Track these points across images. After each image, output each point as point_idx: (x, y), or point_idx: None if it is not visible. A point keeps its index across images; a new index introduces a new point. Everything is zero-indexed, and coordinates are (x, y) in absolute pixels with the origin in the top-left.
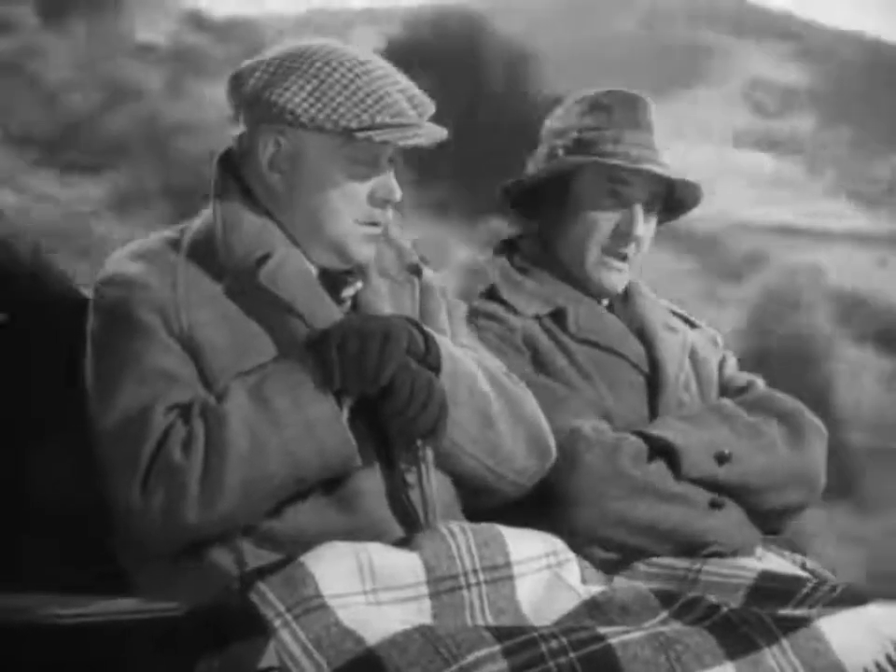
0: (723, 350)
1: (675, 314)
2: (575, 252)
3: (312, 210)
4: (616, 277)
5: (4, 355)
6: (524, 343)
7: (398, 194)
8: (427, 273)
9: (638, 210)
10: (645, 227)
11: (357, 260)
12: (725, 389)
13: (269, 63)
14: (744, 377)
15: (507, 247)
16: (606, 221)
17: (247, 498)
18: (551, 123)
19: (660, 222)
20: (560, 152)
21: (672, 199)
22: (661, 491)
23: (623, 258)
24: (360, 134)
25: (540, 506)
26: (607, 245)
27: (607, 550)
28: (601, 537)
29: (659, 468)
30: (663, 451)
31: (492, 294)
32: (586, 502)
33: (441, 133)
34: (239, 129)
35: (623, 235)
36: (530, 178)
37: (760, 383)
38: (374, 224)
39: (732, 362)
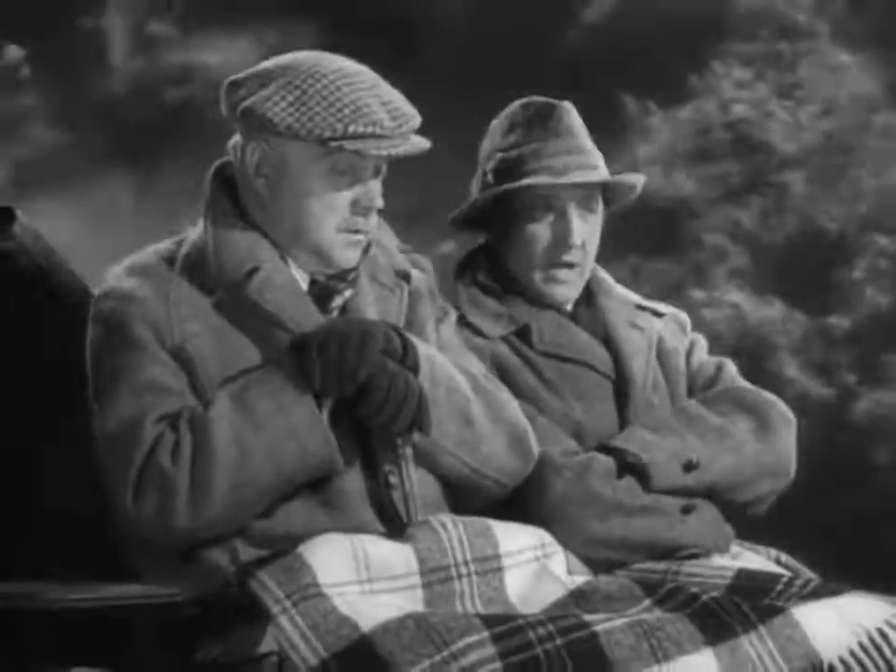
0: (691, 335)
1: (641, 307)
2: (523, 268)
3: (294, 217)
4: (564, 289)
5: (15, 356)
6: (492, 365)
7: (380, 202)
8: (416, 277)
9: (572, 216)
10: (586, 227)
11: (342, 266)
12: (694, 378)
13: (258, 73)
14: (713, 363)
15: (469, 263)
16: (542, 232)
17: (235, 502)
18: (483, 144)
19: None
20: (490, 177)
21: (610, 192)
22: (632, 506)
23: (569, 265)
24: (333, 143)
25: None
26: (549, 257)
27: (584, 565)
28: (578, 555)
29: (629, 483)
30: (631, 465)
31: (457, 315)
32: (561, 525)
33: (421, 143)
34: (233, 139)
35: (561, 244)
36: (466, 210)
37: (729, 367)
38: (357, 231)
39: (700, 346)
